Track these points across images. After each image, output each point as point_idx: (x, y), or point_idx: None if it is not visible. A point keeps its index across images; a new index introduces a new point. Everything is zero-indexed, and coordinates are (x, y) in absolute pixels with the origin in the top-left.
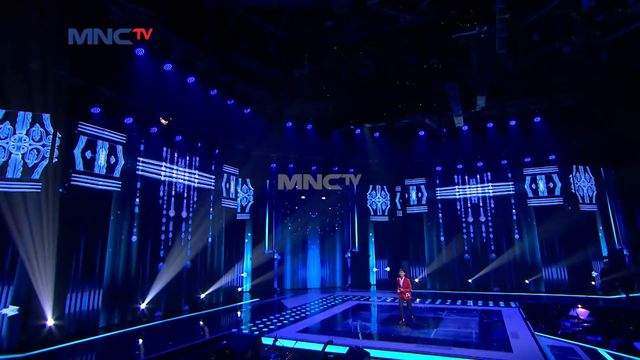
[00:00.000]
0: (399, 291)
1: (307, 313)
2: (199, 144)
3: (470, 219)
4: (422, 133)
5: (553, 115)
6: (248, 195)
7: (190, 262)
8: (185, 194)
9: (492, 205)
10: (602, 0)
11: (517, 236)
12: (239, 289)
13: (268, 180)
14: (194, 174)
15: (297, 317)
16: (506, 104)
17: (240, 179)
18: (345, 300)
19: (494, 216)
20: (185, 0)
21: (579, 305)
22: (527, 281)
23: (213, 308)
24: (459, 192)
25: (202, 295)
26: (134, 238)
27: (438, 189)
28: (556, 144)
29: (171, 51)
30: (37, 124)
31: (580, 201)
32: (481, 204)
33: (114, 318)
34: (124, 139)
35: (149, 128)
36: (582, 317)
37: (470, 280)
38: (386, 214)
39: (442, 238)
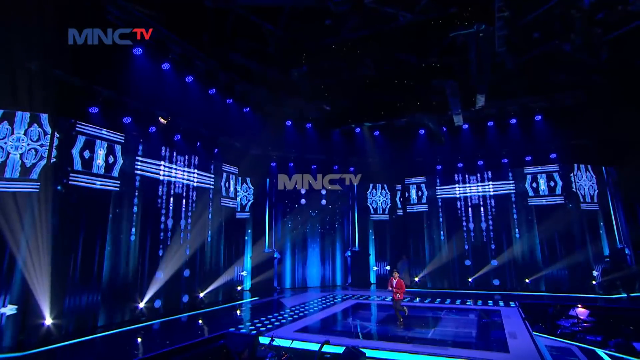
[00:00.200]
0: (390, 290)
1: (305, 312)
2: (198, 143)
3: (471, 218)
4: (422, 132)
5: (554, 114)
6: (248, 194)
7: (189, 265)
8: (185, 193)
9: (493, 204)
10: None
11: (517, 235)
12: (239, 288)
13: (268, 179)
14: (193, 173)
15: (295, 316)
16: (506, 103)
17: (240, 178)
18: (345, 299)
19: (495, 215)
20: None
21: (579, 305)
22: (527, 280)
23: (212, 307)
24: (459, 190)
25: (201, 294)
26: (133, 237)
27: (438, 187)
28: (557, 143)
29: (169, 51)
30: (35, 124)
31: (582, 200)
32: (481, 203)
33: (113, 317)
34: (123, 138)
35: (147, 127)
36: (581, 317)
37: (470, 280)
38: (386, 212)
39: (442, 237)
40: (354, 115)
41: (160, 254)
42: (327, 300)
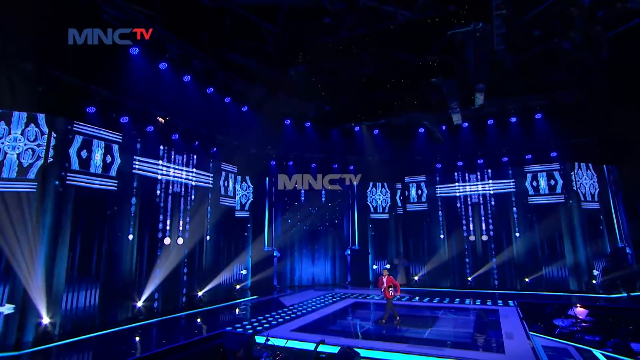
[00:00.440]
0: (382, 288)
1: (303, 311)
2: (197, 142)
3: (471, 217)
4: (421, 130)
5: (554, 112)
6: (247, 192)
7: (187, 264)
8: (183, 192)
9: (493, 203)
10: None
11: (517, 234)
12: (238, 286)
13: (267, 178)
14: (192, 172)
15: (293, 315)
16: (506, 101)
17: (239, 177)
18: (343, 298)
19: (495, 214)
20: None
21: (578, 305)
22: (527, 279)
23: (210, 305)
24: (459, 189)
25: (200, 293)
26: (131, 237)
27: (438, 186)
28: (557, 141)
29: (167, 50)
30: (32, 124)
31: (582, 199)
32: (481, 202)
33: (111, 316)
34: (120, 138)
35: (145, 127)
36: (580, 317)
37: (469, 279)
38: (386, 211)
39: (442, 236)
40: (353, 114)
41: (159, 253)
42: (326, 299)
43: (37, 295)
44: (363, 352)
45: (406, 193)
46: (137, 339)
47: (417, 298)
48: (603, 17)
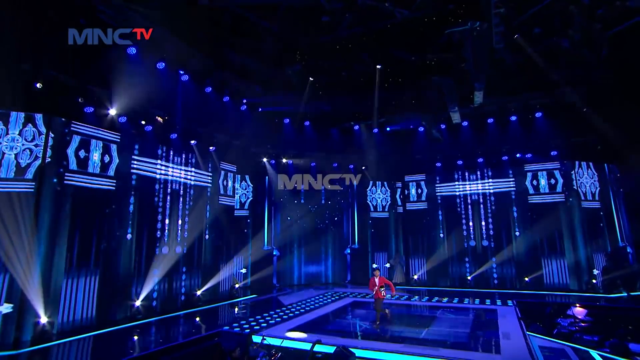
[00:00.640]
0: (373, 290)
1: (302, 310)
2: (195, 142)
3: (470, 216)
4: (421, 129)
5: (554, 111)
6: (247, 191)
7: (186, 263)
8: (182, 191)
9: (493, 202)
10: None
11: (517, 233)
12: (237, 285)
13: (267, 177)
14: (190, 171)
15: (291, 314)
16: (506, 100)
17: (238, 176)
18: (343, 297)
19: (494, 213)
20: None
21: (577, 305)
22: (526, 279)
23: (209, 305)
24: (459, 188)
25: (199, 292)
26: (129, 236)
27: (438, 185)
28: (558, 140)
29: (164, 49)
30: (30, 124)
31: (583, 198)
32: (481, 201)
33: (109, 315)
34: (118, 137)
35: (143, 127)
36: (579, 317)
37: (469, 278)
38: (386, 210)
39: (441, 234)
40: (352, 113)
41: (157, 252)
42: (325, 298)
43: (35, 294)
44: (358, 352)
45: (406, 192)
46: (135, 338)
47: (416, 297)
48: (603, 14)
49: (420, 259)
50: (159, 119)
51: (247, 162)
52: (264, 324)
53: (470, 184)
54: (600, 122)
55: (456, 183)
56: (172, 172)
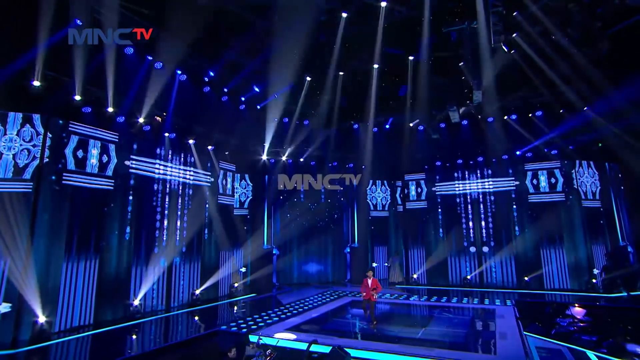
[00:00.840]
0: (364, 292)
1: (300, 310)
2: (193, 141)
3: (470, 215)
4: (421, 128)
5: (555, 110)
6: (247, 190)
7: (184, 262)
8: (180, 191)
9: (492, 201)
10: None
11: (517, 232)
12: (236, 284)
13: (266, 176)
14: (189, 170)
15: (289, 313)
16: (507, 98)
17: (238, 175)
18: (342, 296)
19: (494, 212)
20: None
21: (576, 305)
22: (526, 278)
23: (208, 304)
24: (458, 187)
25: (197, 291)
26: (128, 236)
27: (437, 184)
28: (558, 139)
29: (161, 49)
30: (28, 125)
31: (583, 197)
32: (481, 200)
33: (107, 314)
34: (117, 137)
35: (141, 126)
36: (578, 317)
37: (468, 277)
38: (386, 209)
39: (441, 234)
40: (351, 112)
41: (156, 252)
42: (324, 297)
43: (33, 294)
44: (354, 353)
45: (406, 191)
46: (134, 337)
47: (415, 296)
48: (602, 13)
49: (419, 258)
50: (158, 118)
51: (246, 161)
52: (262, 324)
53: (470, 183)
54: (601, 120)
55: (456, 182)
56: (171, 171)
